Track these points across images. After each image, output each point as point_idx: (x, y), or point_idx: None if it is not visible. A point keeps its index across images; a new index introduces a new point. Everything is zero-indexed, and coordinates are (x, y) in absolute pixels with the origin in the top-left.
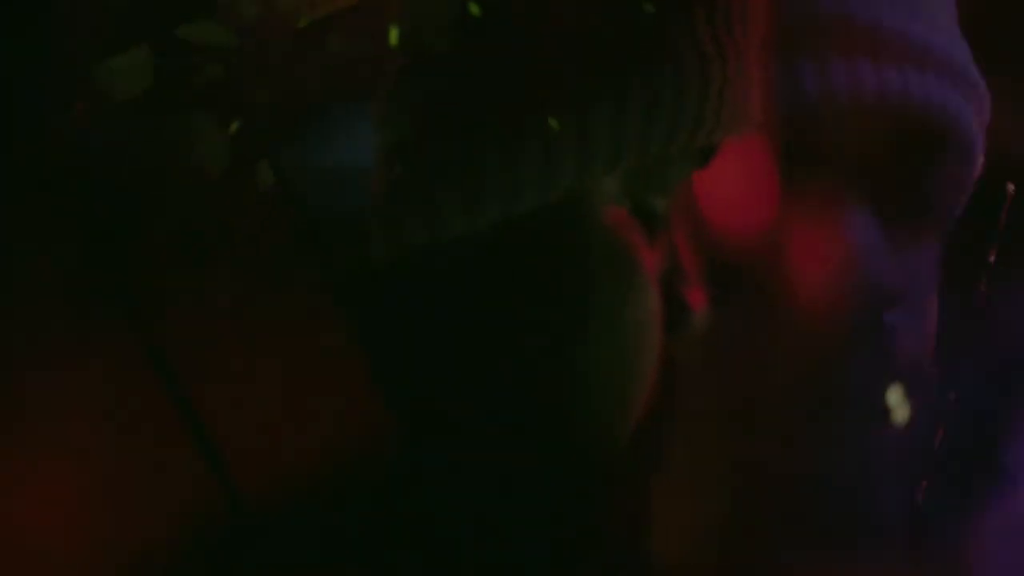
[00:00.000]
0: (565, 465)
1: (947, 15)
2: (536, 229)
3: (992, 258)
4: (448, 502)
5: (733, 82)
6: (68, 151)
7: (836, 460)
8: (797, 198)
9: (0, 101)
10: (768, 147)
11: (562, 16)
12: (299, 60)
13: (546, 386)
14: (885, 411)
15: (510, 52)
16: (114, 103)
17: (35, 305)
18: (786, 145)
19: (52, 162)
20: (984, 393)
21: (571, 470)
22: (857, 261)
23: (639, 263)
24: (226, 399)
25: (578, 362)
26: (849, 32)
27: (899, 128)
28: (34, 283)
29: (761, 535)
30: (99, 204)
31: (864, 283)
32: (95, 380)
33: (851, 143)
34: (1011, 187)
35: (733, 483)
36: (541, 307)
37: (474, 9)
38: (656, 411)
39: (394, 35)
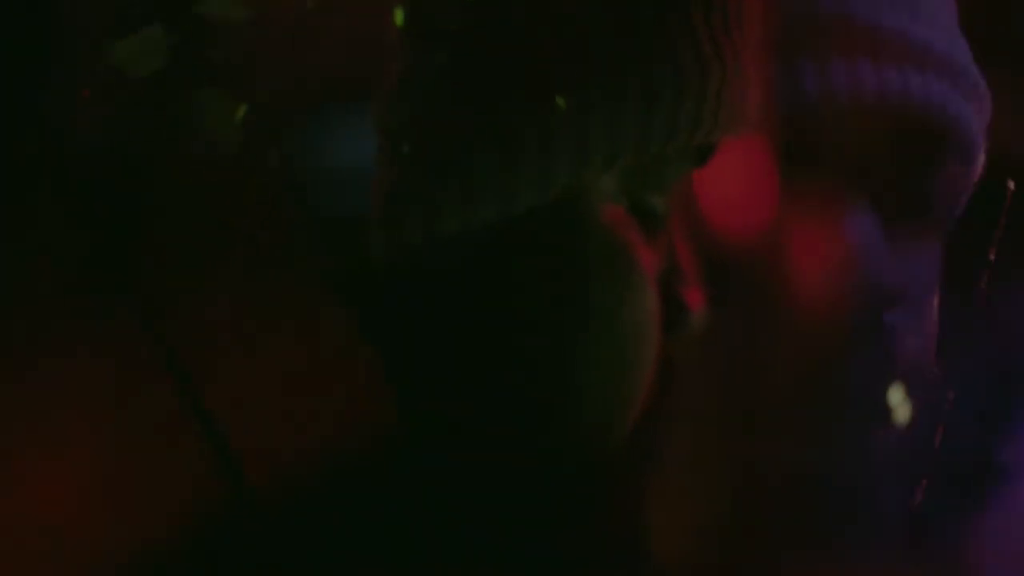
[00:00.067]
0: (564, 465)
1: (947, 14)
2: (534, 229)
3: (992, 257)
4: (448, 501)
5: (731, 82)
6: (69, 149)
7: (836, 460)
8: (797, 198)
9: (1, 100)
10: (768, 147)
11: (561, 15)
12: (307, 40)
13: (544, 385)
14: (886, 411)
15: (509, 51)
16: (125, 83)
17: (40, 302)
18: (786, 145)
19: (54, 161)
20: (984, 393)
21: (570, 469)
22: (857, 261)
23: (637, 263)
24: (231, 394)
25: (576, 361)
26: (849, 32)
27: (899, 128)
28: (39, 281)
29: (761, 535)
30: (102, 202)
31: (864, 283)
32: (101, 375)
33: (851, 143)
34: (1011, 184)
35: (732, 483)
36: (539, 307)
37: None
38: (654, 411)
39: (399, 16)
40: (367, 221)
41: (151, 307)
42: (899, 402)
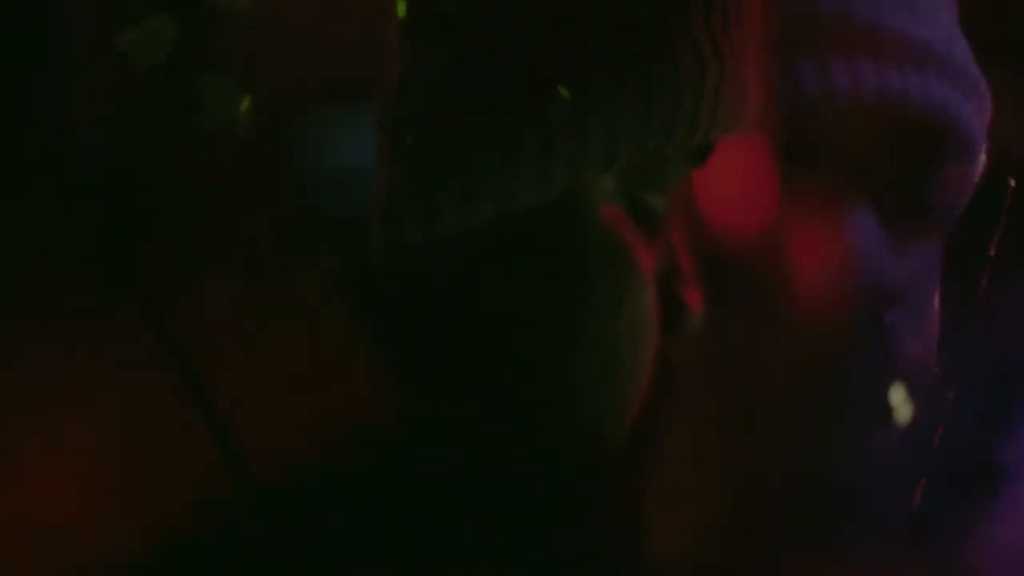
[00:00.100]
0: (563, 464)
1: (948, 14)
2: (533, 229)
3: (992, 256)
4: (448, 501)
5: (730, 81)
6: (70, 147)
7: (836, 460)
8: (797, 198)
9: (2, 100)
10: (768, 147)
11: (560, 15)
12: (309, 31)
13: (542, 385)
14: (886, 411)
15: (508, 51)
16: (127, 80)
17: (41, 300)
18: (786, 145)
19: (54, 160)
20: (984, 393)
21: (570, 470)
22: (857, 261)
23: (635, 263)
24: (234, 392)
25: (574, 361)
26: (849, 32)
27: (899, 128)
28: (40, 279)
29: (760, 535)
30: (102, 201)
31: (864, 283)
32: (103, 373)
33: (851, 143)
34: (1011, 182)
35: (732, 483)
36: (537, 306)
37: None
38: (654, 411)
39: (402, 8)
40: (367, 221)
41: (153, 305)
42: (900, 402)
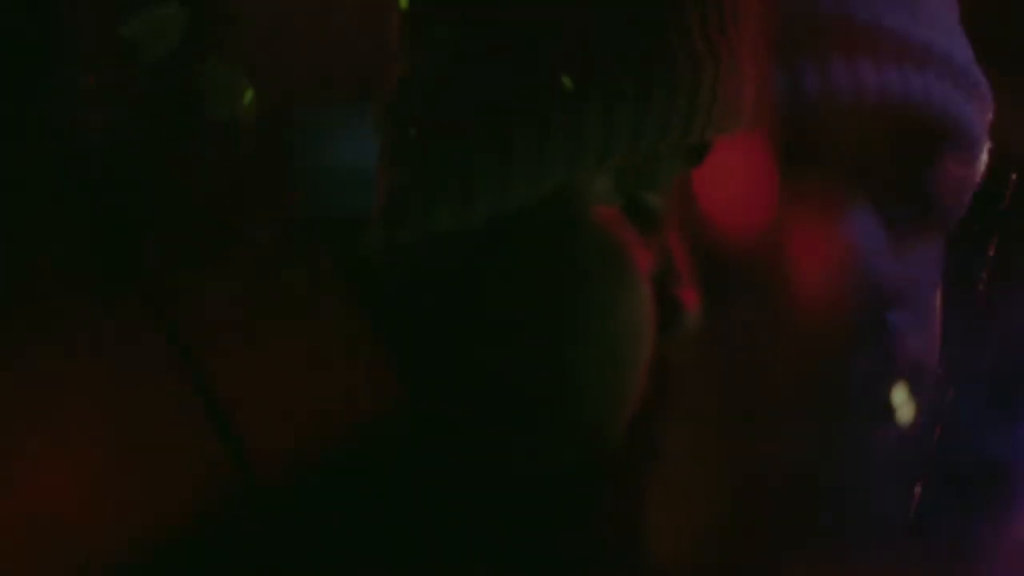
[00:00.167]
0: (559, 464)
1: (948, 14)
2: (529, 229)
3: (992, 256)
4: (448, 501)
5: (725, 80)
6: (73, 145)
7: (836, 460)
8: (797, 198)
9: (4, 99)
10: (768, 147)
11: (556, 14)
12: (312, 25)
13: (539, 384)
14: (887, 411)
15: (506, 50)
16: (129, 78)
17: (45, 297)
18: (786, 145)
19: (57, 157)
20: (984, 393)
21: (569, 470)
22: (857, 261)
23: (631, 262)
24: (238, 383)
25: (570, 360)
26: (849, 32)
27: (900, 128)
28: (44, 276)
29: (760, 535)
30: (106, 199)
31: (864, 283)
32: (111, 364)
33: (851, 143)
34: (1013, 176)
35: (731, 483)
36: (534, 306)
37: None
38: (652, 411)
39: (404, 1)
40: (367, 220)
41: (156, 303)
42: (901, 402)
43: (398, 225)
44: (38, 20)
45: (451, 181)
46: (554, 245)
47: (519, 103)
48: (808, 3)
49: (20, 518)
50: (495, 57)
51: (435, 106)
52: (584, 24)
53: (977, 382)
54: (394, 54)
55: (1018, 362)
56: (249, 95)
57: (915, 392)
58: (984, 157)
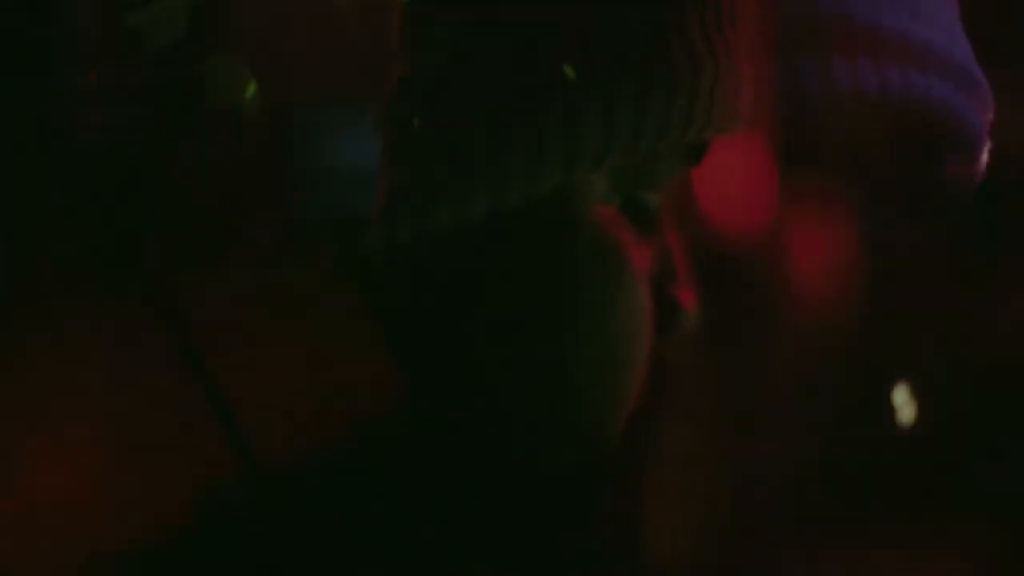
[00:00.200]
0: (556, 464)
1: (948, 14)
2: (526, 229)
3: (991, 255)
4: (447, 501)
5: (724, 80)
6: (73, 146)
7: (836, 460)
8: (797, 198)
9: (4, 99)
10: (768, 147)
11: (555, 15)
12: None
13: (536, 384)
14: (888, 411)
15: (505, 50)
16: (130, 75)
17: (52, 293)
18: (786, 145)
19: (58, 158)
20: (983, 392)
21: (569, 469)
22: (857, 261)
23: (629, 262)
24: (244, 372)
25: (568, 360)
26: (850, 32)
27: (899, 127)
28: (49, 271)
29: (759, 535)
30: (107, 197)
31: (864, 282)
32: (116, 354)
33: (851, 143)
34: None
35: (730, 483)
36: (531, 306)
37: None
38: (650, 411)
39: None
40: (368, 220)
41: (160, 301)
42: (903, 402)
43: (398, 225)
44: (38, 20)
45: (450, 181)
46: (552, 245)
47: (518, 103)
48: (808, 3)
49: (24, 516)
50: (495, 57)
51: (435, 106)
52: (584, 24)
53: (976, 381)
54: (394, 54)
55: (1018, 361)
56: (252, 88)
57: (918, 390)
58: (985, 156)
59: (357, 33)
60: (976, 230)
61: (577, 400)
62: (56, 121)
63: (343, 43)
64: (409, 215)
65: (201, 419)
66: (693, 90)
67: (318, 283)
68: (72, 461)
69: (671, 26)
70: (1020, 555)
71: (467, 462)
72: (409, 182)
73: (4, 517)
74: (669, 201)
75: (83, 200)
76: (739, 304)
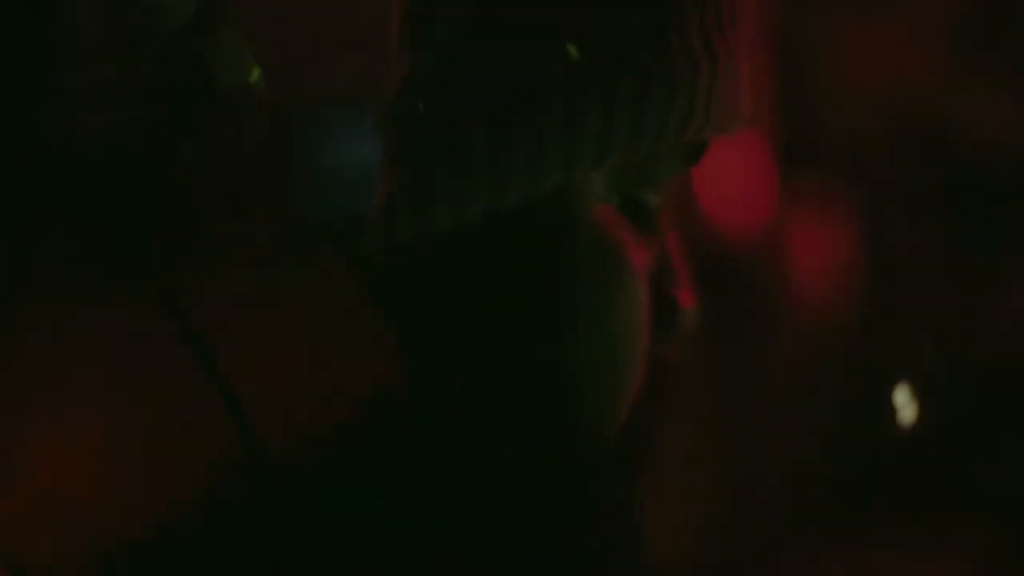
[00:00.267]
0: (557, 463)
1: None
2: (525, 228)
3: (991, 255)
4: (447, 501)
5: (723, 80)
6: (75, 144)
7: (836, 460)
8: (797, 198)
9: (4, 99)
10: (768, 147)
11: (554, 14)
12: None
13: (534, 384)
14: (887, 411)
15: (504, 49)
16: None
17: (57, 284)
18: (786, 145)
19: (58, 155)
20: (983, 392)
21: (569, 469)
22: (857, 260)
23: (628, 261)
24: (243, 372)
25: (565, 360)
26: None
27: (900, 128)
28: (55, 264)
29: (758, 534)
30: (108, 194)
31: (864, 282)
32: (119, 351)
33: (851, 143)
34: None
35: (730, 483)
36: (529, 306)
37: None
38: (649, 411)
39: None
40: (368, 220)
41: (168, 297)
42: (904, 403)
43: (398, 225)
44: (38, 20)
45: (450, 181)
46: (551, 244)
47: (519, 103)
48: None
49: (34, 508)
50: (495, 57)
51: (435, 106)
52: (583, 24)
53: (976, 381)
54: (395, 54)
55: (1018, 361)
56: (256, 72)
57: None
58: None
59: (357, 33)
60: (976, 230)
61: (576, 399)
62: (56, 121)
63: (344, 42)
64: (409, 215)
65: (207, 416)
66: (692, 90)
67: (318, 283)
68: (77, 458)
69: (671, 26)
70: (1020, 555)
71: (466, 461)
72: (409, 182)
73: (14, 509)
74: (669, 201)
75: (83, 200)
76: (739, 304)
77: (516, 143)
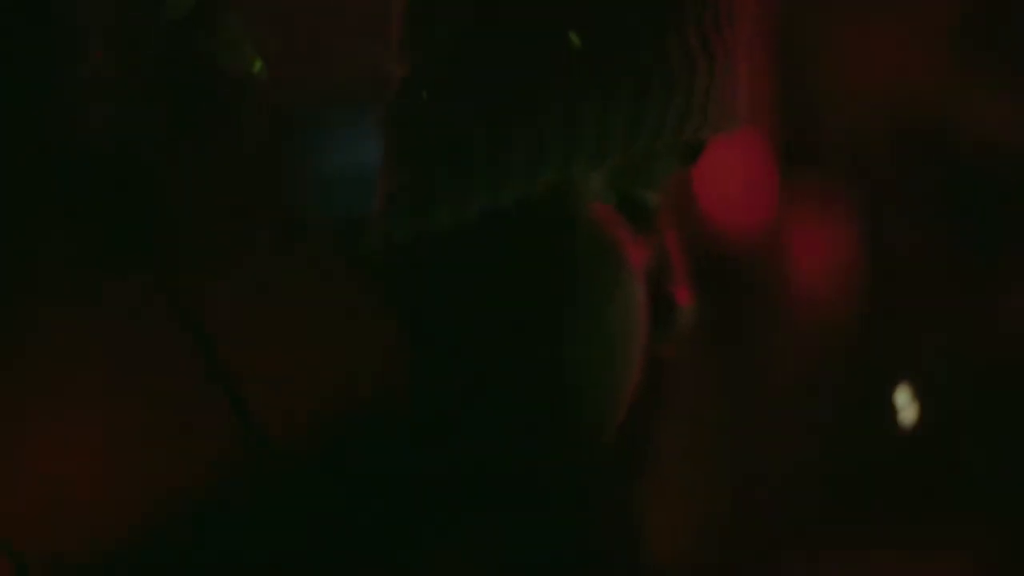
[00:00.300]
0: (555, 462)
1: None
2: (523, 227)
3: (991, 255)
4: (447, 501)
5: (721, 79)
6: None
7: (835, 460)
8: (797, 198)
9: (4, 99)
10: (768, 147)
11: (553, 14)
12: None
13: (532, 382)
14: (889, 411)
15: (503, 49)
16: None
17: (64, 276)
18: (786, 145)
19: (58, 155)
20: (983, 392)
21: (569, 469)
22: (856, 260)
23: (625, 260)
24: (251, 361)
25: (563, 357)
26: None
27: (899, 128)
28: (62, 257)
29: (758, 534)
30: (109, 193)
31: (863, 282)
32: (122, 343)
33: (851, 143)
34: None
35: (730, 482)
36: (527, 304)
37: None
38: (646, 408)
39: None
40: (368, 220)
41: (170, 292)
42: (905, 403)
43: (398, 225)
44: (38, 20)
45: (450, 181)
46: (550, 243)
47: (518, 103)
48: None
49: (35, 499)
50: (495, 57)
51: (435, 106)
52: (582, 24)
53: (976, 380)
54: (395, 54)
55: (1017, 361)
56: (259, 64)
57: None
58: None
59: (358, 33)
60: (976, 230)
61: (574, 397)
62: (56, 121)
63: (344, 43)
64: (409, 215)
65: (207, 415)
66: (690, 89)
67: (318, 283)
68: (78, 454)
69: (669, 26)
70: (1020, 555)
71: (466, 461)
72: (409, 182)
73: (17, 503)
74: (668, 200)
75: (83, 200)
76: (739, 304)
77: (515, 143)
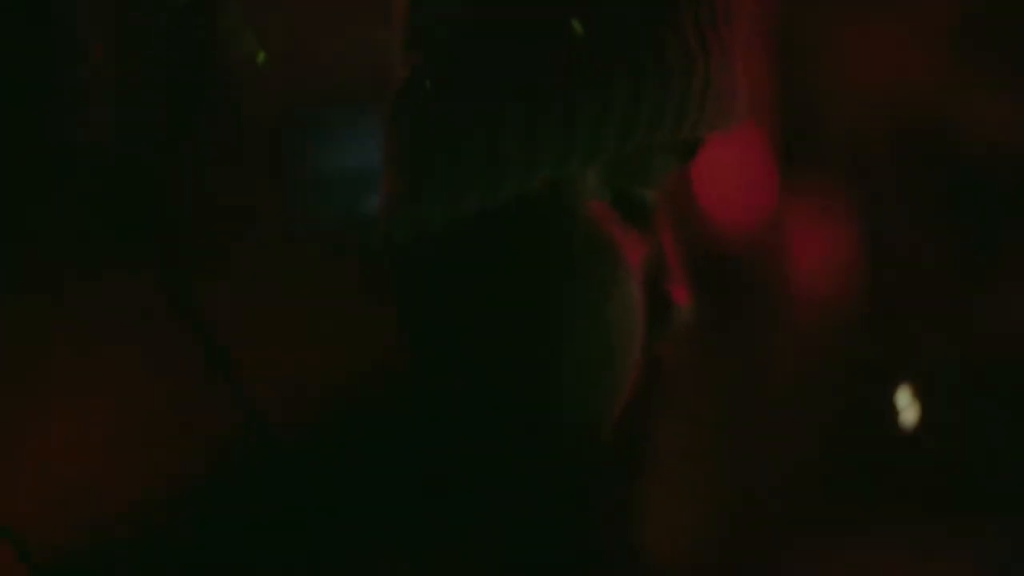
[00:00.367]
0: (551, 460)
1: None
2: (521, 224)
3: (991, 255)
4: (447, 502)
5: (717, 77)
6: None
7: (835, 459)
8: (797, 198)
9: (4, 99)
10: (768, 147)
11: (550, 11)
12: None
13: (527, 380)
14: (889, 411)
15: (501, 49)
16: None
17: (69, 272)
18: (786, 145)
19: (59, 155)
20: (983, 392)
21: (569, 469)
22: (856, 260)
23: (622, 258)
24: (253, 360)
25: (560, 357)
26: None
27: (899, 128)
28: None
29: (760, 534)
30: (110, 193)
31: (864, 282)
32: (124, 340)
33: (851, 143)
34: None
35: (730, 482)
36: (523, 302)
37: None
38: (643, 408)
39: None
40: (368, 219)
41: (171, 285)
42: (906, 403)
43: (398, 224)
44: (38, 20)
45: (449, 180)
46: (547, 241)
47: (516, 101)
48: None
49: (39, 489)
50: (494, 56)
51: (435, 106)
52: (577, 19)
53: (971, 380)
54: (396, 54)
55: (1015, 360)
56: (261, 56)
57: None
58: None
59: (359, 34)
60: (976, 230)
61: (569, 395)
62: (56, 121)
63: (345, 43)
64: (410, 215)
65: (208, 413)
66: (687, 87)
67: (318, 281)
68: (82, 445)
69: (666, 24)
70: (1020, 555)
71: (464, 460)
72: (409, 181)
73: (21, 494)
74: (665, 198)
75: (83, 200)
76: (738, 303)
77: (513, 140)
